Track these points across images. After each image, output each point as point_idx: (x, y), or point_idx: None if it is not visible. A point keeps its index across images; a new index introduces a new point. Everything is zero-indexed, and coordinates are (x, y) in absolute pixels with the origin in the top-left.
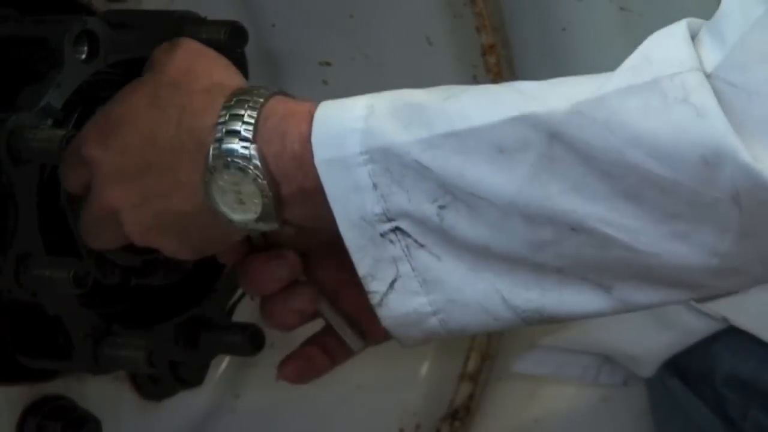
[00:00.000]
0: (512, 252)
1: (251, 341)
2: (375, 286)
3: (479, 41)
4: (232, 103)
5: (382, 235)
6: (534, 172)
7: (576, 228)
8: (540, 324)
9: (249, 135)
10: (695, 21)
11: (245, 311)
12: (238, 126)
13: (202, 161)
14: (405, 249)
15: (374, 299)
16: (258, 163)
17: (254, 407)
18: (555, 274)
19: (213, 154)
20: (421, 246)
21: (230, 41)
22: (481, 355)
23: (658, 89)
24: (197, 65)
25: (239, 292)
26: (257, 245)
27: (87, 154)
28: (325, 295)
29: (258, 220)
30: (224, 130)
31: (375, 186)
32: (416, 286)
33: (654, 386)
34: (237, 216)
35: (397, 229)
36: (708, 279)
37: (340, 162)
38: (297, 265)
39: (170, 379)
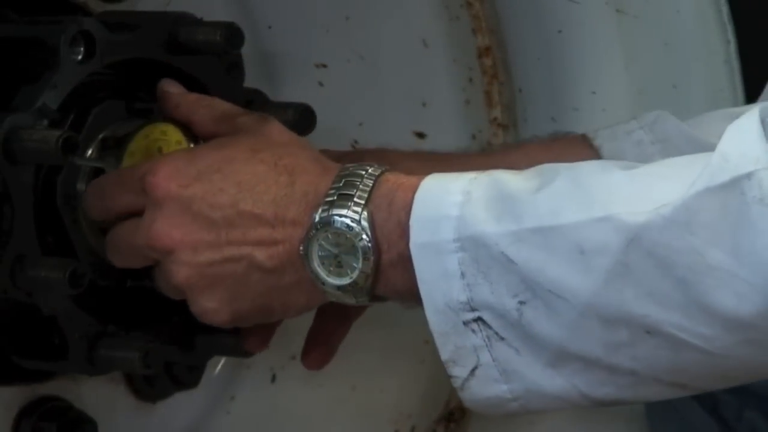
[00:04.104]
0: (587, 352)
1: None
2: (457, 372)
3: (475, 43)
4: (348, 172)
5: (465, 323)
6: (609, 277)
7: (651, 331)
8: (620, 405)
9: (362, 201)
10: (766, 108)
11: None
12: (351, 191)
13: (308, 221)
14: (486, 339)
15: (456, 383)
16: (366, 224)
17: (249, 408)
18: (629, 375)
19: (322, 211)
20: (502, 339)
21: (226, 43)
22: None
23: (737, 189)
24: (295, 137)
25: None
26: None
27: (158, 186)
28: None
29: (351, 286)
30: (337, 194)
31: (463, 274)
32: (496, 374)
33: None
34: (331, 279)
35: (479, 319)
36: None
37: (433, 247)
38: None
39: (166, 380)
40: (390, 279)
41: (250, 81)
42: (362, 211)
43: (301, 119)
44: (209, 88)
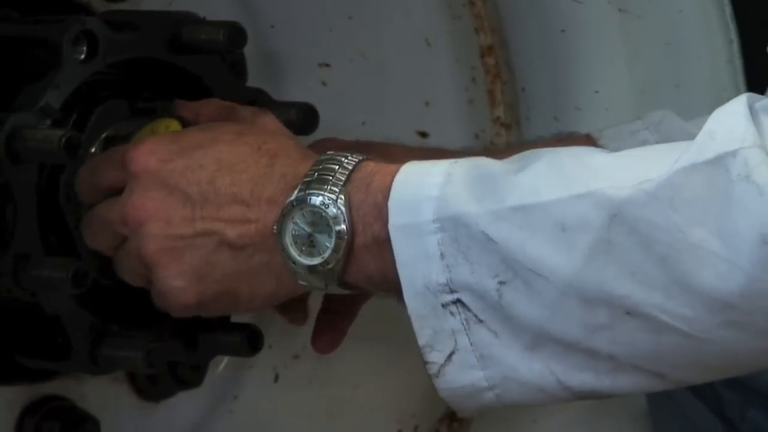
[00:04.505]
0: (566, 334)
1: (249, 342)
2: (433, 357)
3: (478, 42)
4: (328, 157)
5: (444, 306)
6: (591, 254)
7: (631, 312)
8: (597, 399)
9: (340, 182)
10: (753, 96)
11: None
12: (330, 174)
13: (284, 201)
14: (464, 322)
15: (432, 369)
16: (343, 206)
17: (252, 408)
18: (608, 360)
19: (299, 191)
20: (481, 321)
21: (229, 42)
22: None
23: (722, 166)
24: (285, 130)
25: None
26: None
27: (137, 161)
28: None
29: (322, 266)
30: (316, 174)
31: (442, 255)
32: (473, 360)
33: None
34: (302, 259)
35: (458, 301)
36: (763, 360)
37: (413, 228)
38: None
39: (169, 379)
40: (362, 263)
41: (253, 80)
42: (339, 192)
43: (305, 118)
44: (212, 88)
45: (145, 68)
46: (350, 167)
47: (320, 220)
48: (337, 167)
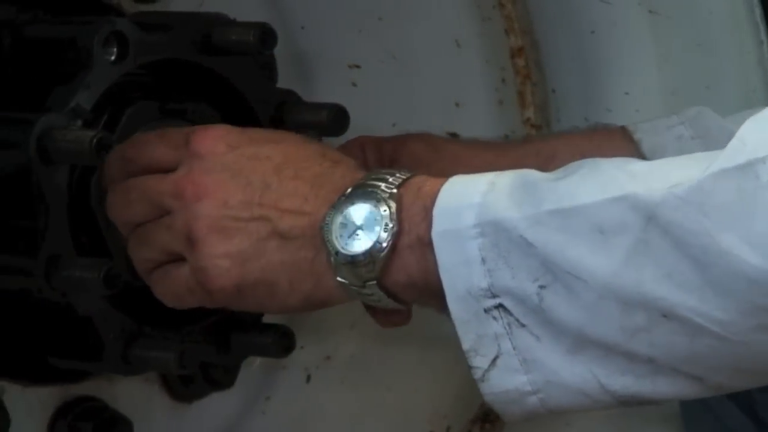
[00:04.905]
0: (606, 337)
1: (282, 343)
2: (478, 362)
3: (508, 44)
4: (383, 169)
5: (486, 310)
6: (629, 256)
7: (667, 315)
8: (638, 406)
9: (394, 184)
10: None
11: None
12: (384, 180)
13: (337, 198)
14: (507, 327)
15: (477, 374)
16: (393, 203)
17: (285, 408)
18: (648, 363)
19: (354, 188)
20: (523, 326)
21: (259, 43)
22: None
23: (751, 172)
24: None
25: None
26: None
27: (204, 143)
28: None
29: (364, 255)
30: (372, 176)
31: (483, 260)
32: (517, 364)
33: None
34: (345, 250)
35: (500, 306)
36: None
37: (454, 233)
38: None
39: (201, 380)
40: (405, 262)
41: (284, 82)
42: (391, 193)
43: (335, 120)
44: (242, 89)
45: (176, 69)
46: (405, 176)
47: (369, 215)
48: (390, 177)
